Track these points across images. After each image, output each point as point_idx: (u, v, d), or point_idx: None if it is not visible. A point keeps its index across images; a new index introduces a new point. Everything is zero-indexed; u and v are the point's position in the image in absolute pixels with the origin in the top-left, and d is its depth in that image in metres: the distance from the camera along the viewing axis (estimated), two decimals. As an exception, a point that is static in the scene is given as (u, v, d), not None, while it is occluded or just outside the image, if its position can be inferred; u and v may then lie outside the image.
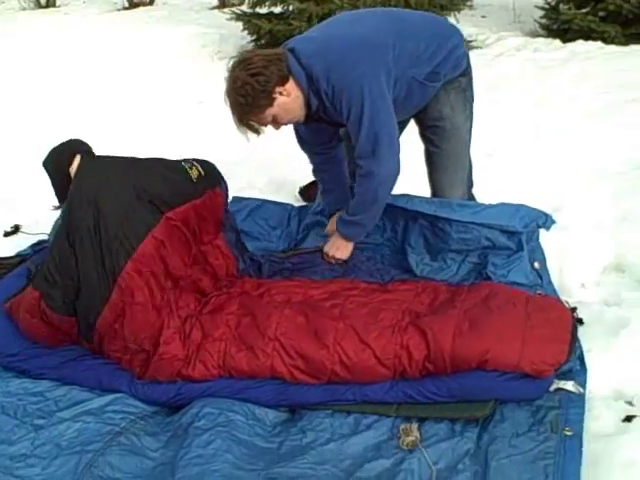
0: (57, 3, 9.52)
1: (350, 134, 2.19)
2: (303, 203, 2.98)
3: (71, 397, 2.00)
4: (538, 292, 2.17)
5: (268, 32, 5.84)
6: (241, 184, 3.28)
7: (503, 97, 4.33)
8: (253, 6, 6.17)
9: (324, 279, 2.30)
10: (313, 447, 1.76)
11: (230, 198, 2.81)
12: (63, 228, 2.04)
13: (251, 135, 2.18)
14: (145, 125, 4.44)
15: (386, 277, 2.29)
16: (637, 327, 1.98)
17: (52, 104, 4.99)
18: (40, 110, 4.89)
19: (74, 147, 2.24)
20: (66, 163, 2.18)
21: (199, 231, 2.22)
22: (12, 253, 2.68)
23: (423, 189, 2.53)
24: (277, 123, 2.19)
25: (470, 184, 2.58)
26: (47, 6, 9.46)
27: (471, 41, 5.66)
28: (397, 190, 2.28)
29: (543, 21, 6.02)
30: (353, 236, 2.38)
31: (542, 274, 2.29)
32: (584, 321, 2.06)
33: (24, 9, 9.46)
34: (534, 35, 5.91)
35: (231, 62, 2.13)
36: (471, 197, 2.60)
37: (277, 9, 6.09)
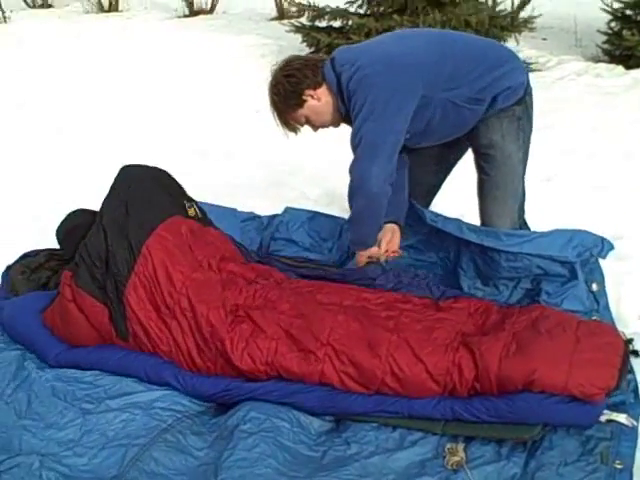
0: (119, 8, 9.77)
1: None
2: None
3: (120, 387, 2.05)
4: (594, 318, 2.13)
5: (327, 45, 5.85)
6: (295, 194, 3.32)
7: (562, 121, 4.26)
8: (312, 19, 6.21)
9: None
10: (357, 459, 1.76)
11: (283, 208, 2.87)
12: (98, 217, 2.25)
13: (290, 133, 2.29)
14: (203, 132, 4.52)
15: (436, 293, 2.26)
16: (695, 362, 1.92)
17: (114, 107, 5.13)
18: (103, 111, 5.04)
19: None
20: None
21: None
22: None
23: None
24: (311, 125, 2.28)
25: (521, 213, 2.49)
26: (110, 10, 9.72)
27: (531, 63, 5.58)
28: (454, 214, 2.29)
29: (605, 46, 5.89)
30: (353, 238, 2.38)
31: (599, 298, 2.24)
32: (640, 353, 2.01)
33: (87, 12, 9.73)
34: (596, 60, 5.80)
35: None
36: (522, 226, 2.51)
37: (336, 23, 6.12)
